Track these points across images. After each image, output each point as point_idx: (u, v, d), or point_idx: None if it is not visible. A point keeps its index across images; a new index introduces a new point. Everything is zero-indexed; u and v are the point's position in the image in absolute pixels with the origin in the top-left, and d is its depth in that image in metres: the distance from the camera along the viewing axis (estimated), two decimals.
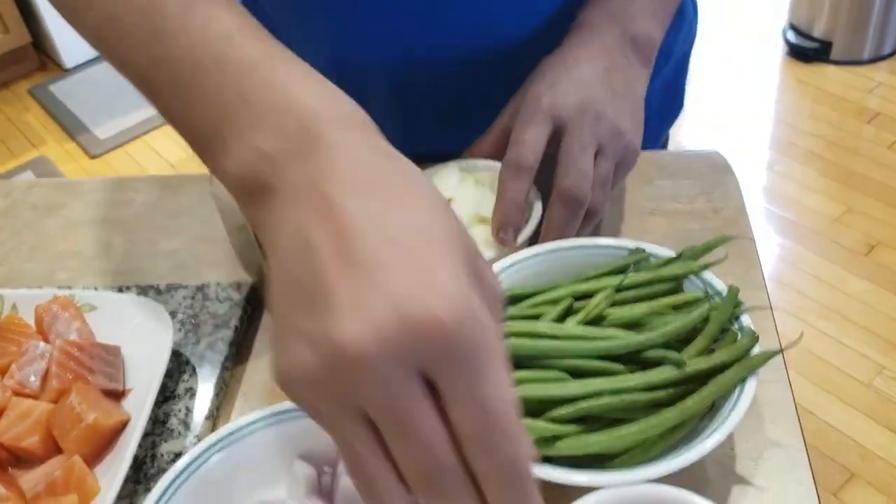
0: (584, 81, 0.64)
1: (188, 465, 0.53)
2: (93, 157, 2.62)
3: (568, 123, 0.63)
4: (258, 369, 0.66)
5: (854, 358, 1.80)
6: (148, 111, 2.73)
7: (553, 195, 0.63)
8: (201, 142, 0.43)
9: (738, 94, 2.50)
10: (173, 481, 0.52)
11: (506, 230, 0.64)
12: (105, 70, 2.92)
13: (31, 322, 0.66)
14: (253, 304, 0.70)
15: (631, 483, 0.49)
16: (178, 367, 0.65)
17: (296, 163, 0.38)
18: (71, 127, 2.73)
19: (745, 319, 0.55)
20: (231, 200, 0.65)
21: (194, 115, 0.42)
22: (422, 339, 0.33)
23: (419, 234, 0.35)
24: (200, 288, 0.70)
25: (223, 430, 0.54)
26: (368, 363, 0.32)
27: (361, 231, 0.34)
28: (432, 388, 0.34)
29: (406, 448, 0.34)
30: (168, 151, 2.60)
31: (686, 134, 2.37)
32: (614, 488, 0.48)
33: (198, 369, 0.64)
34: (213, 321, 0.67)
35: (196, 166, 0.52)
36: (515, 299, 0.61)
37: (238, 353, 0.67)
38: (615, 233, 0.71)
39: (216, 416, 0.62)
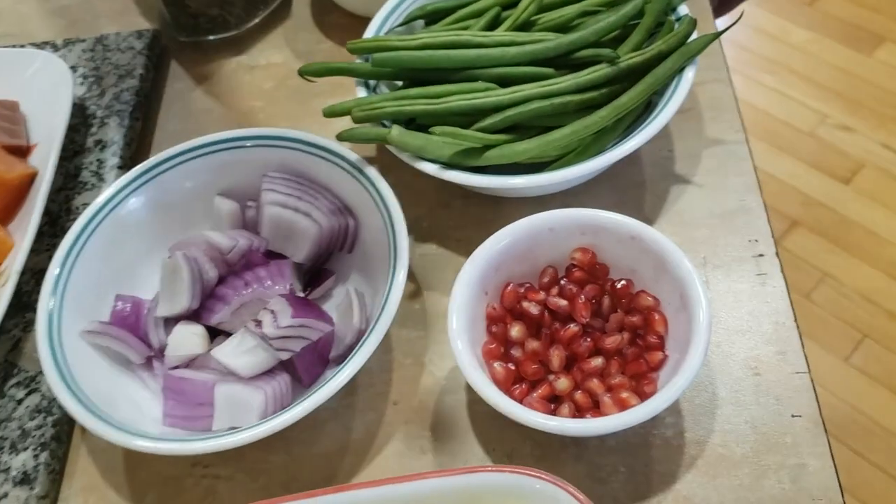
0: None
1: (102, 206, 0.50)
2: None
3: None
4: (170, 117, 0.62)
5: (797, 108, 1.79)
6: None
7: None
8: None
9: None
10: (87, 224, 0.49)
11: None
12: None
13: None
14: (157, 52, 0.65)
15: (560, 182, 0.47)
16: (85, 120, 0.60)
17: None
18: None
19: (683, 9, 0.52)
20: None
21: None
22: None
23: None
24: (99, 39, 0.65)
25: (137, 170, 0.51)
26: None
27: None
28: None
29: None
30: None
31: None
32: (540, 215, 0.45)
33: (105, 121, 0.60)
34: (116, 72, 0.62)
35: None
36: (438, 15, 0.56)
37: (147, 102, 0.62)
38: None
39: (130, 166, 0.59)
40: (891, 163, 1.69)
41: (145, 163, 0.51)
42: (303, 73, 0.53)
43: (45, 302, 0.46)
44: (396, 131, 0.48)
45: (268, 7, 0.64)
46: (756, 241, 0.49)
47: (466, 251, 0.51)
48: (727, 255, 0.49)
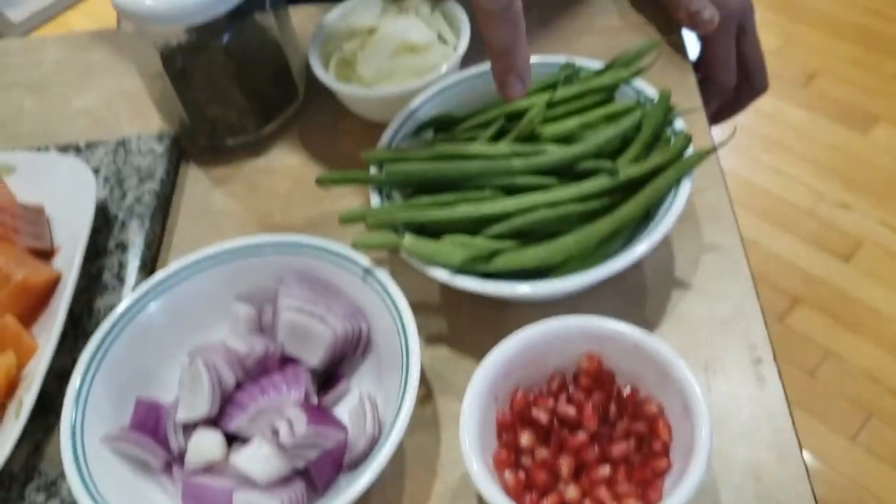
0: None
1: (124, 312, 0.52)
2: None
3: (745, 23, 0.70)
4: (189, 218, 0.64)
5: (796, 187, 1.83)
6: None
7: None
8: None
9: None
10: (111, 329, 0.51)
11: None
12: None
13: None
14: (176, 154, 0.67)
15: (568, 289, 0.49)
16: (107, 223, 0.63)
17: None
18: None
19: (679, 124, 0.54)
20: (142, 45, 0.62)
21: None
22: None
23: None
24: (121, 142, 0.67)
25: (158, 276, 0.53)
26: None
27: None
28: None
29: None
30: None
31: None
32: (548, 322, 0.47)
33: (127, 223, 0.62)
34: (137, 175, 0.65)
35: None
36: (446, 125, 0.59)
37: (167, 204, 0.65)
38: (545, 53, 0.69)
39: (150, 268, 0.61)
40: (890, 240, 1.72)
41: (164, 270, 0.53)
42: (320, 181, 0.55)
43: (69, 413, 0.47)
44: (409, 240, 0.50)
45: (284, 113, 0.67)
46: (754, 346, 0.51)
47: (476, 353, 0.53)
48: (727, 359, 0.50)
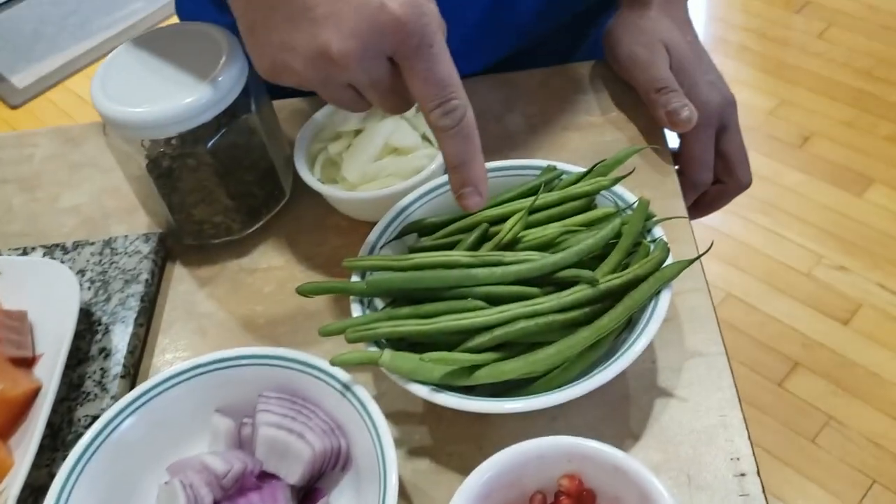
0: (709, 64, 0.71)
1: (100, 431, 0.51)
2: (13, 107, 2.52)
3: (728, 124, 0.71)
4: (174, 320, 0.64)
5: (793, 249, 1.83)
6: (66, 55, 2.62)
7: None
8: None
9: None
10: (86, 450, 0.50)
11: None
12: (17, 14, 2.79)
13: None
14: (163, 254, 0.67)
15: (549, 405, 0.49)
16: (90, 327, 0.62)
17: None
18: None
19: (657, 231, 0.54)
20: (128, 148, 0.63)
21: None
22: (388, 35, 0.47)
23: None
24: (108, 242, 0.68)
25: (135, 392, 0.53)
26: (351, 60, 0.48)
27: None
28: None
29: (380, 99, 0.51)
30: None
31: None
32: (528, 443, 0.47)
33: (110, 328, 0.62)
34: (122, 276, 0.65)
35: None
36: (429, 230, 0.59)
37: (152, 306, 0.65)
38: (530, 152, 0.69)
39: (133, 374, 0.61)
40: (888, 303, 1.71)
41: (142, 386, 0.53)
42: (301, 292, 0.55)
43: None
44: (388, 356, 0.50)
45: (270, 212, 0.68)
46: (738, 459, 0.50)
47: (457, 465, 0.52)
48: (710, 474, 0.50)
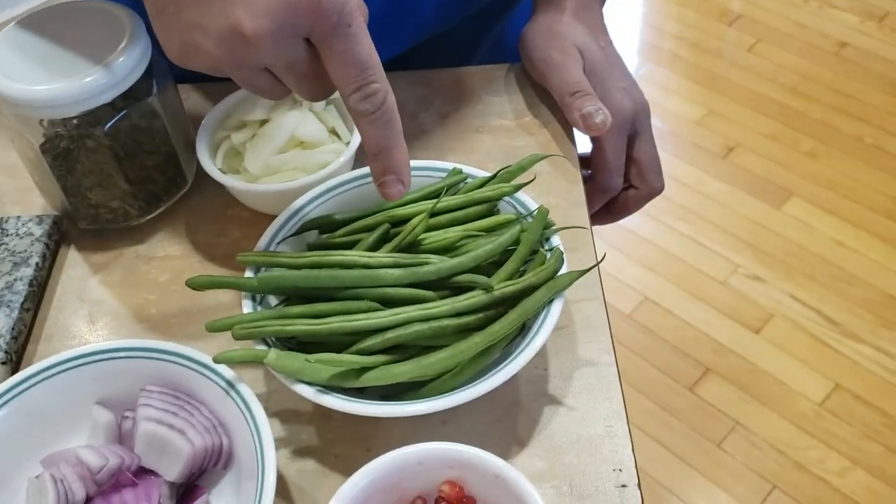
0: (623, 70, 0.71)
1: None
2: None
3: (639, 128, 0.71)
4: (63, 305, 0.62)
5: (710, 257, 1.87)
6: None
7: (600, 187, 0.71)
8: None
9: None
10: None
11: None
12: None
13: None
14: (56, 238, 0.65)
15: (438, 409, 0.49)
16: None
17: None
18: None
19: (555, 240, 0.54)
20: (21, 127, 0.60)
21: None
22: (303, 13, 0.45)
23: None
24: (0, 221, 0.65)
25: (10, 381, 0.51)
26: (264, 40, 0.46)
27: None
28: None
29: (297, 83, 0.49)
30: None
31: None
32: (408, 449, 0.46)
33: None
34: (11, 259, 0.63)
35: None
36: (330, 227, 0.59)
37: (41, 290, 0.63)
38: (441, 152, 0.69)
39: (15, 360, 0.58)
40: (798, 314, 1.76)
41: (18, 375, 0.51)
42: (191, 285, 0.54)
43: None
44: (273, 355, 0.49)
45: (171, 199, 0.66)
46: (620, 470, 0.51)
47: (343, 468, 0.52)
48: (591, 484, 0.50)
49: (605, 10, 0.76)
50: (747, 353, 1.72)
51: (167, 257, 0.64)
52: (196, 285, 0.54)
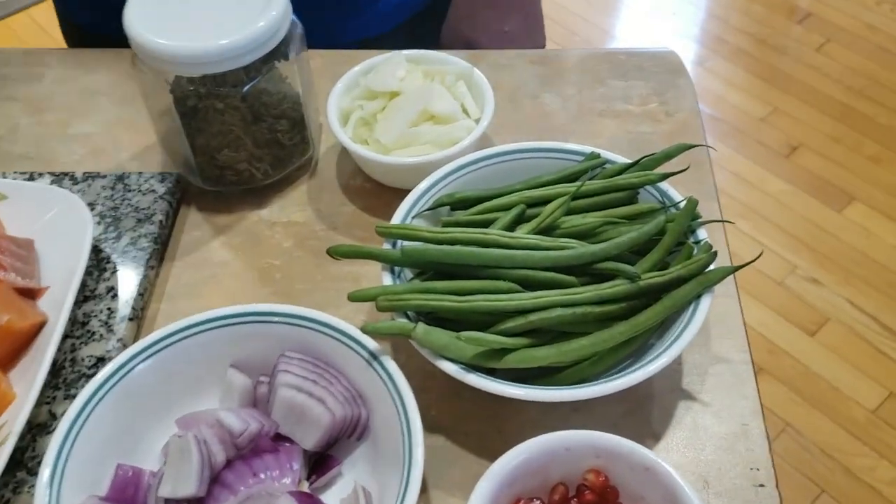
0: None
1: (111, 374, 0.49)
2: None
3: None
4: (186, 266, 0.62)
5: (769, 256, 1.84)
6: None
7: None
8: None
9: None
10: (95, 392, 0.48)
11: None
12: None
13: None
14: (178, 198, 0.65)
15: (580, 397, 0.48)
16: (98, 264, 0.60)
17: None
18: None
19: (702, 233, 0.53)
20: (156, 82, 0.60)
21: None
22: None
23: None
24: (121, 178, 0.65)
25: (151, 338, 0.51)
26: None
27: None
28: None
29: None
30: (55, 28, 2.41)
31: (625, 24, 2.33)
32: (558, 434, 0.46)
33: (119, 267, 0.60)
34: (135, 215, 0.62)
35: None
36: (465, 203, 0.58)
37: (163, 250, 0.62)
38: (564, 134, 0.68)
39: (140, 317, 0.58)
40: (855, 320, 1.74)
41: (159, 332, 0.50)
42: (332, 253, 0.53)
43: (46, 478, 0.45)
44: (422, 329, 0.49)
45: (295, 164, 0.66)
46: (757, 469, 0.50)
47: (475, 446, 0.52)
48: (729, 481, 0.50)
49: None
50: (801, 355, 1.70)
51: (290, 223, 0.64)
52: (339, 253, 0.53)
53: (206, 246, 0.63)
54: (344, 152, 0.63)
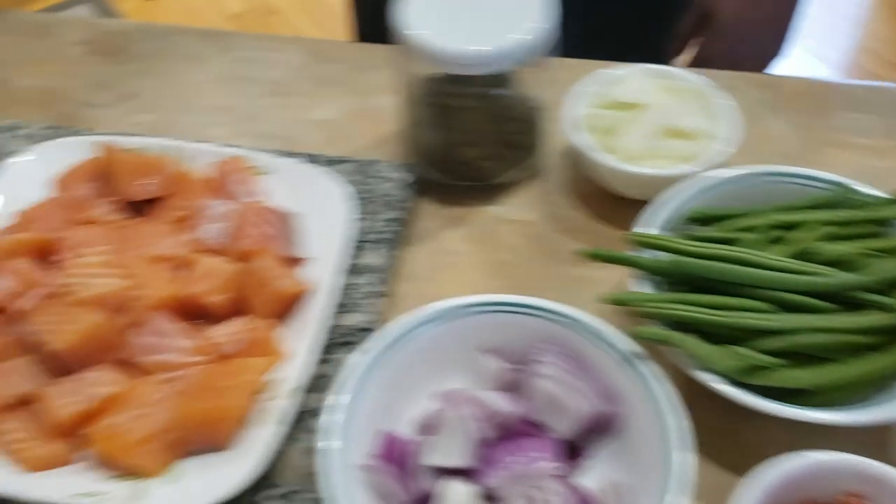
0: None
1: (393, 342, 0.52)
2: None
3: None
4: (421, 254, 0.64)
5: None
6: None
7: None
8: None
9: None
10: (375, 360, 0.52)
11: None
12: None
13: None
14: (416, 188, 0.68)
15: (854, 423, 0.49)
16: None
17: None
18: None
19: None
20: (420, 75, 0.63)
21: None
22: None
23: None
24: (363, 164, 0.68)
25: (436, 308, 0.53)
26: None
27: None
28: None
29: None
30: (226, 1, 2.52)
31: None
32: (828, 455, 0.47)
33: (366, 247, 0.63)
34: (380, 199, 0.66)
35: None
36: (710, 220, 0.59)
37: (403, 235, 0.66)
38: (792, 161, 0.68)
39: (390, 294, 0.62)
40: None
41: (443, 303, 0.53)
42: (584, 254, 0.55)
43: (336, 438, 0.48)
44: (689, 340, 0.50)
45: (528, 165, 0.68)
46: None
47: (715, 457, 0.52)
48: None
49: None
50: None
51: (524, 222, 0.66)
52: (595, 256, 0.55)
53: (439, 235, 0.66)
54: (569, 158, 0.64)
